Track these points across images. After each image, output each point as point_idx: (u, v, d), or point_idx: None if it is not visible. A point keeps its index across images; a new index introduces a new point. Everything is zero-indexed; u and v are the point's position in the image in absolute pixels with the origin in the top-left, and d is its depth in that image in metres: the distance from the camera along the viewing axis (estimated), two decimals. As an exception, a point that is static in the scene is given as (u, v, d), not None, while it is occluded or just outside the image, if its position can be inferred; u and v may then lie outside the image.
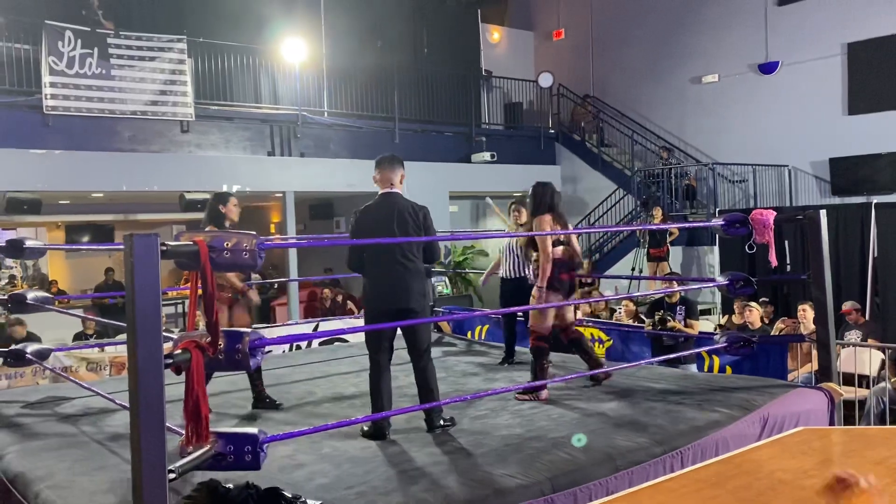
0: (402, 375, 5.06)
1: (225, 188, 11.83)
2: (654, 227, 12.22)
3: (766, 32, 14.42)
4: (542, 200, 5.23)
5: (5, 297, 6.07)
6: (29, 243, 5.45)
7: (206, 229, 5.01)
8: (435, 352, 7.16)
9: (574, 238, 5.40)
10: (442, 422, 4.47)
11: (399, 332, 4.53)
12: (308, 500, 3.22)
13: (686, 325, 7.60)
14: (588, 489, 3.64)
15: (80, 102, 10.64)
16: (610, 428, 4.36)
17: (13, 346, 6.08)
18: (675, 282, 8.98)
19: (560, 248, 5.20)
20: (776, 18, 14.29)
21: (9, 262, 13.51)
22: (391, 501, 3.40)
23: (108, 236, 14.06)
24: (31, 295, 5.65)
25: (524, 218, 6.05)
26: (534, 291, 5.22)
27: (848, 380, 6.44)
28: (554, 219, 5.20)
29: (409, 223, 4.45)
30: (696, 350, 6.41)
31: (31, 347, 5.88)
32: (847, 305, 8.69)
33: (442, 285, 13.50)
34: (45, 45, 10.35)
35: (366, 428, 4.37)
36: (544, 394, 5.07)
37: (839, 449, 3.44)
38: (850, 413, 6.27)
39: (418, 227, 4.48)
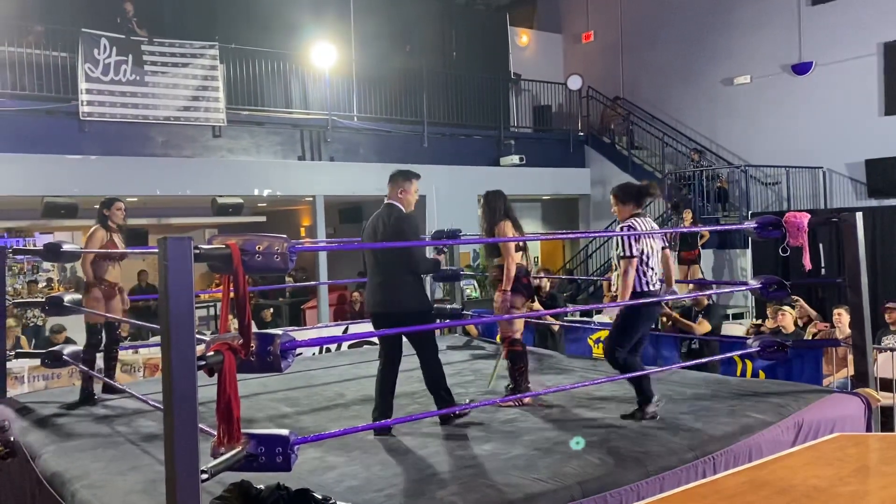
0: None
1: (256, 192, 11.97)
2: (684, 229, 12.11)
3: (799, 32, 14.21)
4: (497, 208, 5.29)
5: (43, 299, 6.19)
6: (66, 247, 5.57)
7: (94, 228, 5.86)
8: (463, 355, 7.21)
9: (527, 245, 5.50)
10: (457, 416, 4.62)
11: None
12: (338, 502, 3.24)
13: (695, 323, 7.50)
14: (619, 494, 3.61)
15: (114, 108, 10.82)
16: (641, 432, 4.32)
17: (50, 349, 6.21)
18: (706, 286, 8.89)
19: (519, 254, 5.31)
20: (810, 18, 14.08)
21: (46, 265, 13.77)
22: (420, 504, 3.41)
23: (141, 240, 14.25)
24: (68, 298, 5.75)
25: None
26: (496, 296, 5.32)
27: (885, 385, 6.31)
28: (513, 224, 5.28)
29: (377, 232, 4.72)
30: (722, 356, 6.30)
31: (67, 349, 5.99)
32: (891, 304, 8.51)
33: (470, 289, 13.49)
34: (82, 52, 10.54)
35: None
36: (528, 399, 5.09)
37: (876, 456, 3.38)
38: (888, 419, 6.14)
39: (385, 235, 4.66)
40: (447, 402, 4.64)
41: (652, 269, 4.71)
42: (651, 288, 4.71)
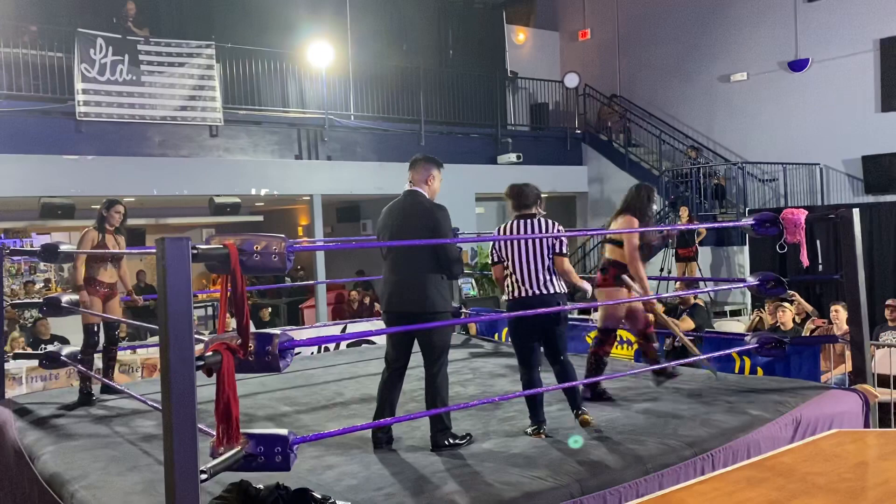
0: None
1: (253, 192, 11.96)
2: (682, 227, 12.12)
3: (795, 29, 14.23)
4: (635, 204, 5.27)
5: (41, 300, 6.18)
6: (63, 247, 5.56)
7: (86, 229, 5.91)
8: (462, 353, 7.20)
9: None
10: (450, 441, 4.16)
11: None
12: (337, 501, 3.24)
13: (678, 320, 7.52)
14: (618, 492, 3.62)
15: (111, 108, 10.81)
16: (639, 430, 4.33)
17: (47, 349, 6.21)
18: (701, 283, 8.90)
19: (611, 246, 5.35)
20: (806, 15, 14.10)
21: (43, 266, 13.75)
22: (420, 503, 3.41)
23: (139, 240, 14.24)
24: (66, 298, 5.74)
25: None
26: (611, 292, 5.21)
27: (883, 381, 6.31)
28: (639, 220, 5.24)
29: (407, 223, 4.27)
30: (711, 355, 6.24)
31: (65, 350, 5.99)
32: (891, 301, 8.54)
33: (470, 285, 13.50)
34: (78, 52, 10.53)
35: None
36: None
37: (874, 452, 3.38)
38: (886, 415, 6.15)
39: (425, 229, 4.22)
40: (441, 419, 4.17)
41: (515, 275, 4.48)
42: (515, 295, 4.49)
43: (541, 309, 4.40)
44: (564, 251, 4.57)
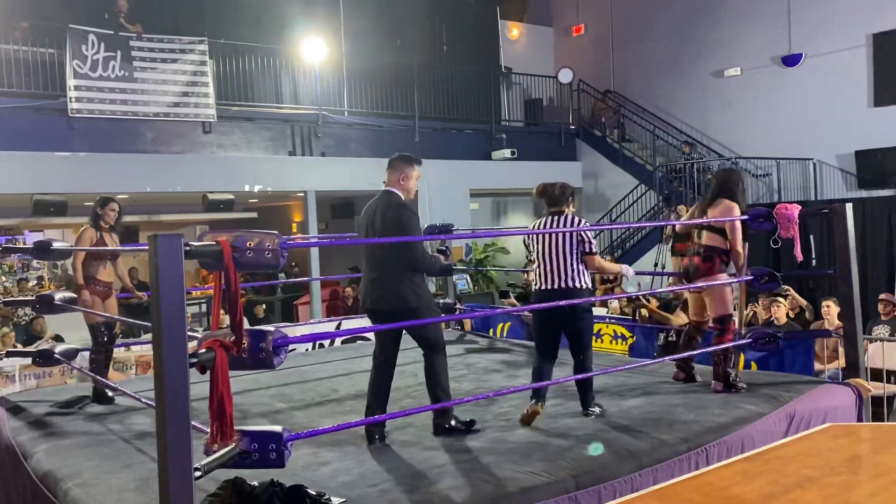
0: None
1: (247, 188, 11.94)
2: (675, 223, 12.11)
3: (789, 24, 14.24)
4: (731, 188, 5.18)
5: (34, 297, 6.16)
6: (56, 245, 5.54)
7: (83, 228, 5.87)
8: (457, 349, 7.20)
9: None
10: (451, 423, 4.28)
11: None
12: (332, 498, 3.24)
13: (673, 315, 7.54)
14: (612, 486, 3.63)
15: (103, 105, 10.75)
16: (634, 425, 4.34)
17: (41, 346, 6.19)
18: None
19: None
20: (799, 10, 14.11)
21: (36, 263, 13.69)
22: (415, 499, 3.41)
23: (132, 237, 14.20)
24: (59, 296, 5.72)
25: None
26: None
27: (876, 375, 6.35)
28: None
29: (375, 223, 4.40)
30: (703, 351, 6.19)
31: (59, 348, 5.97)
32: (884, 295, 8.57)
33: (465, 280, 13.50)
34: (70, 48, 10.46)
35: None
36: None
37: (867, 446, 3.40)
38: (879, 409, 6.19)
39: (384, 225, 4.33)
40: (444, 408, 4.32)
41: (541, 268, 4.66)
42: (539, 287, 4.68)
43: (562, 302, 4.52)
44: (594, 249, 4.71)
